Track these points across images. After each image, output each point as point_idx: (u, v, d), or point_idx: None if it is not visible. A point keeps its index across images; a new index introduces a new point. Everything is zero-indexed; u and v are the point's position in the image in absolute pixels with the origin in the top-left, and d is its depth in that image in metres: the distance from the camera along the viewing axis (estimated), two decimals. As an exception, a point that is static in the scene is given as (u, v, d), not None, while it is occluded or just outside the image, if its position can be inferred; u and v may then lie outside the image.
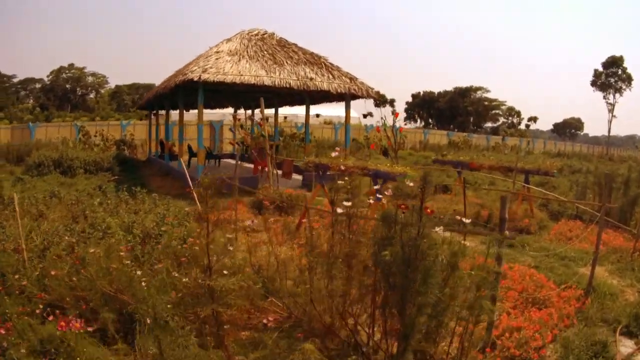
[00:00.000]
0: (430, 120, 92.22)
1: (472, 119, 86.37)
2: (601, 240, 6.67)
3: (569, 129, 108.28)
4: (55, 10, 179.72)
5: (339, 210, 4.23)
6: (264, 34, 18.20)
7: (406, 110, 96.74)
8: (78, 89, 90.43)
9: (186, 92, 17.14)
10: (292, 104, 23.94)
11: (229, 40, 17.29)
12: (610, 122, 75.81)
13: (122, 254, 5.28)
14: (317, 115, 20.43)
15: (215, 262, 4.32)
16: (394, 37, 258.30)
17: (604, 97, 75.96)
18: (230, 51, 16.29)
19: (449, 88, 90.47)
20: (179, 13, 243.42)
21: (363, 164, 8.16)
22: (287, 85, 15.59)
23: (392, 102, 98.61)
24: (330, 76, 16.85)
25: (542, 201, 12.98)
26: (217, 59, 15.59)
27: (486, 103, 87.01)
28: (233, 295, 4.40)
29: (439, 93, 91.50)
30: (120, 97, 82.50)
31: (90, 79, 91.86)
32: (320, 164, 9.32)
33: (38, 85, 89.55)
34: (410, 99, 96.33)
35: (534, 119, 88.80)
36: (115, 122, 37.73)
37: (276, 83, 15.41)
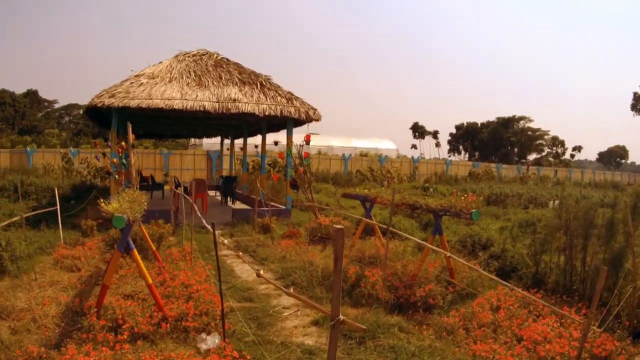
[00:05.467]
0: (475, 153, 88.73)
1: (516, 150, 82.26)
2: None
3: (613, 157, 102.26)
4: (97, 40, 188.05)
5: None
6: (203, 55, 17.14)
7: (450, 142, 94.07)
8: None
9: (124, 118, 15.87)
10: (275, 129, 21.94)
11: (160, 62, 16.23)
12: (655, 147, 70.68)
13: None
14: (275, 143, 18.90)
15: None
16: (437, 66, 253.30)
17: (647, 121, 71.16)
18: (152, 74, 15.28)
19: (492, 118, 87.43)
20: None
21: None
22: (202, 109, 14.24)
23: (435, 134, 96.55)
24: (262, 96, 15.35)
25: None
26: (131, 83, 14.64)
27: (529, 133, 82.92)
28: None
29: (482, 124, 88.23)
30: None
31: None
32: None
33: (81, 112, 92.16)
34: (454, 131, 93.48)
35: (578, 149, 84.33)
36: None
37: (187, 107, 14.11)
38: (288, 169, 16.68)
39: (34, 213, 10.48)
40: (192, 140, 49.66)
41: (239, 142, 26.33)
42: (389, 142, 59.23)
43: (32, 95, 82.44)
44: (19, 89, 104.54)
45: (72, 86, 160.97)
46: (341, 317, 3.16)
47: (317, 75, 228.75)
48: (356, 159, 42.09)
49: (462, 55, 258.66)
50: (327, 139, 54.02)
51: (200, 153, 36.10)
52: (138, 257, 6.14)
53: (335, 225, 3.12)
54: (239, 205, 19.65)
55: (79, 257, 9.06)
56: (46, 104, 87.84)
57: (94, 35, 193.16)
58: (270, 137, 21.65)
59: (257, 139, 22.54)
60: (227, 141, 28.41)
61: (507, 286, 5.26)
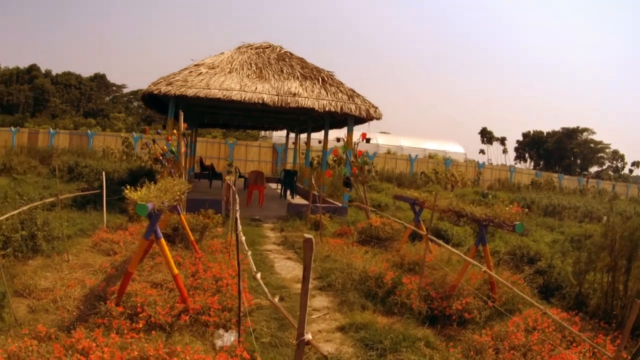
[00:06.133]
0: (540, 161, 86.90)
1: (578, 162, 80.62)
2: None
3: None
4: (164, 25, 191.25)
5: None
6: (265, 47, 16.97)
7: (516, 150, 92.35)
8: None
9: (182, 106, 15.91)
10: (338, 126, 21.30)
11: (221, 53, 16.20)
12: None
13: None
14: (338, 140, 18.57)
15: None
16: (507, 73, 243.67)
17: None
18: (212, 64, 15.25)
19: (558, 128, 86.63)
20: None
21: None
22: (260, 101, 14.03)
23: (502, 140, 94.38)
24: (323, 92, 15.03)
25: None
26: (190, 72, 14.63)
27: (592, 145, 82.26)
28: None
29: (548, 133, 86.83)
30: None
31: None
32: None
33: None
34: (521, 138, 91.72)
35: (637, 164, 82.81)
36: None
37: (246, 98, 13.94)
38: (345, 167, 16.26)
39: (74, 195, 10.51)
40: (263, 132, 49.84)
41: (305, 136, 26.13)
42: (458, 145, 58.02)
43: (99, 79, 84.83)
44: (86, 72, 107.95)
45: (141, 72, 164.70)
46: (307, 337, 2.81)
47: (393, 78, 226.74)
48: (422, 160, 41.38)
49: (530, 63, 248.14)
50: (397, 138, 53.70)
51: (267, 145, 36.15)
52: (165, 246, 5.90)
53: (305, 235, 2.74)
54: (298, 199, 19.40)
55: (117, 241, 8.98)
56: (114, 88, 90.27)
57: (168, 21, 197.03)
58: (334, 134, 21.25)
59: (321, 134, 22.21)
60: (292, 135, 28.27)
61: (540, 308, 4.70)
